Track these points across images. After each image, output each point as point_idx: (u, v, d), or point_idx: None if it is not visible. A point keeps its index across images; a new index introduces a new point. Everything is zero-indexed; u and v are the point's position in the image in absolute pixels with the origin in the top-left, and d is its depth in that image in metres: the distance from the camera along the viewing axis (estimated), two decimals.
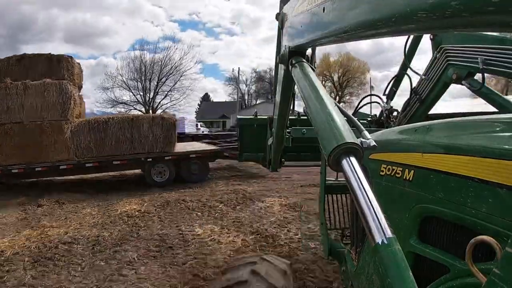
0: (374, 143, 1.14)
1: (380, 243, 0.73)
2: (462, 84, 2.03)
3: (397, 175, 1.47)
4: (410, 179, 1.35)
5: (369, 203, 0.81)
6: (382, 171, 1.60)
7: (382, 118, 2.86)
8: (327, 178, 2.91)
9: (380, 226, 0.76)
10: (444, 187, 1.14)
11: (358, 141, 0.92)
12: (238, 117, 5.80)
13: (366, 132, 1.20)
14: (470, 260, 0.81)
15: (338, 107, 1.16)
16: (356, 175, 0.85)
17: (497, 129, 1.08)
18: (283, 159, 3.43)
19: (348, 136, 0.91)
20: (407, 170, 1.38)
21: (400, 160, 1.47)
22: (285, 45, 1.52)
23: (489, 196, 0.93)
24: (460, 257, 1.06)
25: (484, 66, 1.78)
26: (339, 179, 3.17)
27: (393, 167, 1.51)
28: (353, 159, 0.89)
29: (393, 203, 1.47)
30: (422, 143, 1.36)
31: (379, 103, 2.66)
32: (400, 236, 1.36)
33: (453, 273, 1.06)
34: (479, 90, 1.92)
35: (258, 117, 5.79)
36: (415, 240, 1.32)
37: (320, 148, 1.00)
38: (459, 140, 1.14)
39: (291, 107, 2.06)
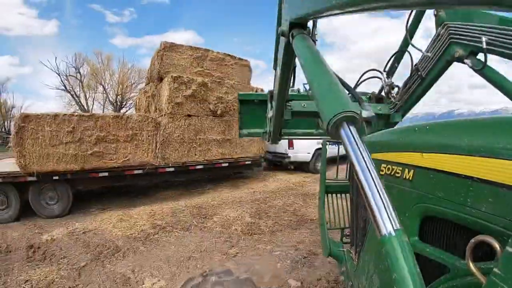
0: (374, 114, 1.14)
1: (387, 234, 0.70)
2: (464, 63, 2.00)
3: (397, 174, 1.47)
4: (410, 178, 1.35)
5: (373, 180, 0.78)
6: (382, 170, 1.60)
7: (381, 94, 2.84)
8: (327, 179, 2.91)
9: (387, 215, 0.72)
10: (444, 187, 1.14)
11: (358, 110, 0.90)
12: (239, 93, 5.76)
13: (366, 104, 1.20)
14: (470, 260, 0.81)
15: (339, 78, 1.14)
16: (356, 143, 0.84)
17: (497, 129, 1.08)
18: (282, 132, 3.43)
19: (348, 104, 0.90)
20: (407, 169, 1.39)
21: (400, 160, 1.47)
22: (286, 18, 1.50)
23: (489, 195, 0.93)
24: (460, 256, 1.06)
25: (487, 46, 1.77)
26: (339, 179, 3.20)
27: (393, 167, 1.51)
28: (352, 127, 0.87)
29: (393, 202, 1.44)
30: (422, 142, 1.36)
31: (380, 78, 2.62)
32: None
33: (453, 273, 1.06)
34: (481, 70, 1.89)
35: (258, 92, 5.73)
36: (415, 239, 1.32)
37: (318, 122, 0.96)
38: (459, 139, 1.13)
39: (292, 81, 2.04)
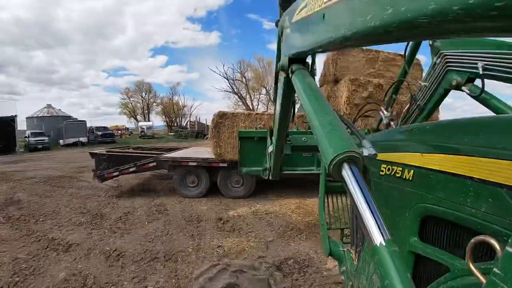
0: (375, 152, 1.17)
1: (378, 245, 0.74)
2: (462, 90, 2.01)
3: (397, 174, 1.47)
4: (410, 178, 1.35)
5: (370, 210, 0.81)
6: (382, 171, 1.60)
7: (379, 127, 2.85)
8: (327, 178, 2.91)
9: (378, 228, 0.76)
10: (444, 187, 1.14)
11: (359, 149, 0.91)
12: (240, 130, 5.71)
13: (366, 140, 1.23)
14: (470, 260, 0.81)
15: (339, 115, 1.15)
16: (358, 185, 0.85)
17: (497, 129, 1.08)
18: (282, 167, 3.40)
19: (349, 144, 0.91)
20: (407, 170, 1.39)
21: (400, 160, 1.47)
22: (285, 53, 1.51)
23: (489, 196, 0.93)
24: (460, 256, 1.07)
25: (484, 72, 1.78)
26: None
27: (393, 167, 1.51)
28: (354, 168, 0.89)
29: (393, 202, 1.47)
30: (422, 143, 1.36)
31: (378, 110, 2.61)
32: (400, 236, 1.37)
33: (453, 273, 1.07)
34: (479, 96, 1.90)
35: (259, 130, 5.72)
36: (415, 239, 1.32)
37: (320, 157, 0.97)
38: (459, 140, 1.14)
39: (291, 116, 2.05)
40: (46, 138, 34.79)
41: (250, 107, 46.77)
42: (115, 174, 10.01)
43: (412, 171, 1.34)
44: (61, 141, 38.00)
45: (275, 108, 2.32)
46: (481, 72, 1.78)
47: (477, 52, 1.85)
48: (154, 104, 77.42)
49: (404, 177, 1.40)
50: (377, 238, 0.75)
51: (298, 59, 1.43)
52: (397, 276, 0.68)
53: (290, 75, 1.44)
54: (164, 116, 74.97)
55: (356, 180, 0.85)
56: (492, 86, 2.03)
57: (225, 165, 9.02)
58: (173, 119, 73.92)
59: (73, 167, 17.35)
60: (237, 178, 9.44)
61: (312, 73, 1.46)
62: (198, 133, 47.90)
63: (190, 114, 70.09)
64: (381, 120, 2.72)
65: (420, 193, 1.29)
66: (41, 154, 28.64)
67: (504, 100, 1.94)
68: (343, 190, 2.99)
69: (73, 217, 7.94)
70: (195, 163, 9.17)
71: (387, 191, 1.54)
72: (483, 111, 2.08)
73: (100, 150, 12.89)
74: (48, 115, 44.89)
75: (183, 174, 9.57)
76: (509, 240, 0.67)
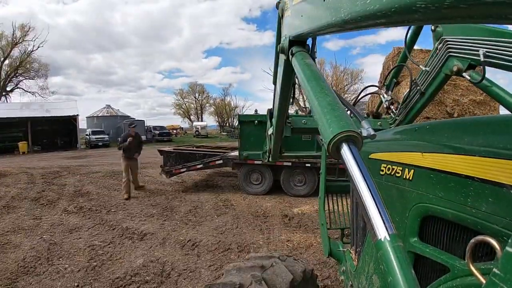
0: (374, 132, 1.16)
1: (382, 239, 0.73)
2: (463, 77, 2.00)
3: (397, 174, 1.47)
4: (410, 178, 1.35)
5: (371, 196, 0.80)
6: (382, 170, 1.60)
7: (379, 111, 2.80)
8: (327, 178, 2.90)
9: (382, 221, 0.76)
10: (444, 187, 1.14)
11: (358, 130, 0.92)
12: (239, 114, 5.60)
13: (365, 122, 1.23)
14: (470, 260, 0.81)
15: (339, 96, 1.17)
16: (356, 163, 0.85)
17: (497, 128, 1.07)
18: (282, 149, 3.42)
19: (348, 124, 0.91)
20: (407, 169, 1.38)
21: (400, 160, 1.46)
22: (285, 35, 1.50)
23: (489, 195, 0.93)
24: (460, 257, 1.07)
25: (485, 59, 1.76)
26: (339, 179, 3.20)
27: (393, 167, 1.51)
28: (353, 147, 0.89)
29: (393, 202, 1.46)
30: (422, 142, 1.36)
31: (379, 94, 2.57)
32: (400, 235, 1.29)
33: (453, 273, 1.07)
34: (480, 83, 1.88)
35: (259, 114, 5.88)
36: (415, 239, 1.32)
37: (319, 140, 1.04)
38: (459, 139, 1.14)
39: (291, 98, 2.09)
40: (106, 136, 37.39)
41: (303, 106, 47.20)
42: (182, 170, 10.58)
43: (412, 170, 1.34)
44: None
45: (274, 90, 2.35)
46: (482, 59, 1.76)
47: (479, 39, 1.85)
48: (207, 104, 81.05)
49: (404, 176, 1.40)
50: (381, 232, 0.74)
51: (299, 41, 1.43)
52: (401, 273, 0.67)
53: (290, 57, 1.43)
54: (216, 116, 78.07)
55: (355, 160, 0.85)
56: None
57: (289, 164, 9.32)
58: (225, 119, 76.79)
59: None
60: (299, 177, 9.67)
61: (312, 56, 1.46)
62: None
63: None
64: (380, 103, 2.70)
65: (420, 193, 1.28)
66: (102, 151, 30.30)
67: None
68: (344, 190, 3.06)
69: (144, 209, 8.29)
70: (260, 162, 9.25)
71: (387, 190, 1.53)
72: None
73: (168, 148, 13.86)
74: (107, 114, 48.67)
75: (248, 172, 9.99)
76: (509, 240, 0.66)
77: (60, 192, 10.52)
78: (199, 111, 79.98)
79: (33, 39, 46.29)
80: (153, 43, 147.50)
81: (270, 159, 3.59)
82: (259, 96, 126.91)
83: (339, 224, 3.09)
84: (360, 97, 2.75)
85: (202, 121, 71.40)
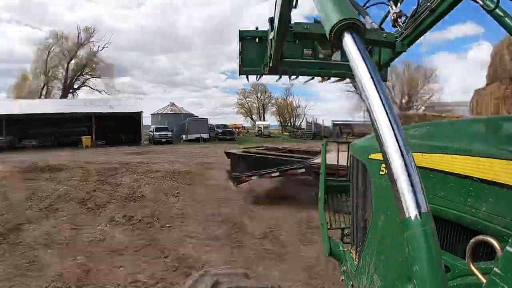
0: (377, 27, 1.11)
1: (412, 217, 0.61)
2: (475, 1, 1.91)
3: None
4: None
5: (379, 97, 0.72)
6: (382, 170, 1.59)
7: (383, 22, 2.61)
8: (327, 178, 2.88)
9: (415, 193, 0.62)
10: (444, 187, 1.14)
11: (361, 19, 0.89)
12: (240, 30, 5.43)
13: (369, 17, 1.18)
14: (471, 260, 0.81)
15: None
16: (359, 52, 0.82)
17: (497, 129, 1.07)
18: (284, 54, 3.23)
19: (352, 12, 0.89)
20: None
21: None
22: None
23: (490, 195, 0.93)
24: (460, 256, 1.07)
25: None
26: (339, 179, 3.18)
27: None
28: (356, 36, 0.85)
29: (393, 202, 1.45)
30: (421, 142, 1.35)
31: (387, 4, 2.41)
32: (400, 236, 1.33)
33: (453, 273, 1.07)
34: (493, 11, 1.81)
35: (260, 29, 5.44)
36: None
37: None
38: (459, 140, 1.14)
39: (294, 0, 2.00)
40: (170, 133, 38.30)
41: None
42: (253, 178, 9.09)
43: None
44: (183, 136, 41.42)
45: None
46: None
47: None
48: (269, 104, 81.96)
49: None
50: (412, 208, 0.61)
51: None
52: (430, 264, 0.56)
53: None
54: (278, 116, 78.47)
55: (359, 49, 0.82)
56: None
57: None
58: (287, 119, 77.30)
59: (198, 163, 16.51)
60: None
61: None
62: (315, 134, 48.88)
63: (305, 115, 72.76)
64: (386, 15, 2.52)
65: None
66: (164, 147, 29.78)
67: None
68: (344, 190, 3.00)
69: (206, 226, 6.79)
70: None
71: (387, 190, 1.51)
72: None
73: (236, 150, 12.43)
74: (171, 112, 49.43)
75: None
76: (509, 240, 0.67)
77: (112, 194, 9.46)
78: (261, 111, 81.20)
79: (98, 40, 52.29)
80: (217, 45, 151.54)
81: (271, 64, 3.40)
82: (320, 96, 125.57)
83: (339, 223, 3.06)
84: (366, 6, 2.47)
85: (264, 120, 72.07)
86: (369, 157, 1.76)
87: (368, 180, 1.82)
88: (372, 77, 0.74)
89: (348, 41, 0.84)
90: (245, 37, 5.41)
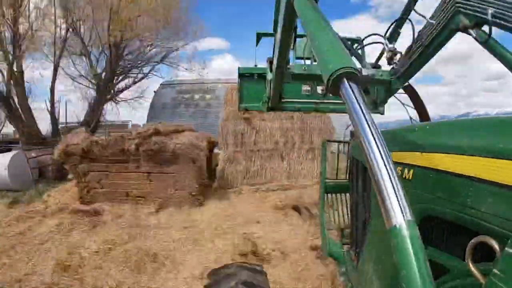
0: (374, 73, 1.13)
1: (398, 226, 0.65)
2: (468, 34, 1.94)
3: None
4: (410, 178, 1.34)
5: (374, 140, 0.76)
6: None
7: (380, 60, 2.63)
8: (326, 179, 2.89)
9: (399, 203, 0.68)
10: (444, 187, 1.13)
11: (358, 67, 0.91)
12: (239, 67, 5.43)
13: (366, 62, 1.20)
14: (471, 261, 0.81)
15: (340, 38, 1.16)
16: (355, 99, 0.84)
17: (497, 129, 1.07)
18: (282, 95, 3.34)
19: (349, 61, 0.90)
20: (406, 169, 1.38)
21: (399, 160, 1.45)
22: None
23: (490, 195, 0.92)
24: (460, 257, 1.06)
25: (492, 19, 1.72)
26: (338, 179, 3.15)
27: None
28: (353, 84, 0.87)
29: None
30: (421, 142, 1.35)
31: (382, 43, 2.48)
32: None
33: (453, 274, 1.06)
34: (485, 43, 1.83)
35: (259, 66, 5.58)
36: None
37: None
38: (459, 139, 1.13)
39: (293, 42, 2.04)
40: None
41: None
42: None
43: (412, 170, 1.33)
44: None
45: (275, 35, 2.31)
46: (490, 19, 1.72)
47: None
48: None
49: (404, 176, 1.39)
50: (397, 216, 0.66)
51: None
52: (417, 267, 0.61)
53: (292, 0, 1.42)
54: None
55: (355, 96, 0.83)
56: None
57: None
58: None
59: None
60: None
61: None
62: None
63: None
64: (382, 53, 2.56)
65: (420, 193, 1.27)
66: None
67: None
68: (343, 190, 2.98)
69: None
70: None
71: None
72: None
73: None
74: None
75: None
76: (509, 241, 0.67)
77: None
78: None
79: None
80: None
81: (269, 105, 3.57)
82: None
83: (338, 224, 3.06)
84: (362, 45, 2.57)
85: None
86: None
87: (367, 180, 1.82)
88: (369, 125, 0.77)
89: (345, 89, 0.86)
90: (244, 74, 5.53)
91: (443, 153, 1.16)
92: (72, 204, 7.43)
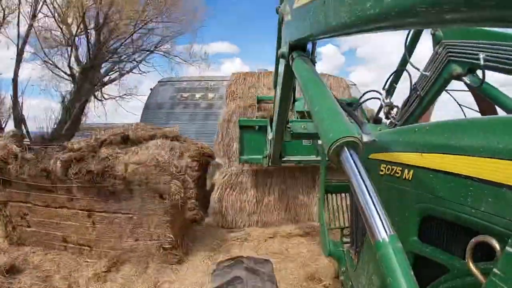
0: (375, 138, 1.17)
1: (381, 240, 0.74)
2: (462, 81, 1.99)
3: (396, 174, 1.46)
4: (410, 178, 1.35)
5: (370, 199, 0.82)
6: (382, 170, 1.60)
7: (379, 115, 2.81)
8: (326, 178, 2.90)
9: (381, 223, 0.77)
10: (444, 187, 1.14)
11: (358, 135, 0.92)
12: (240, 119, 5.37)
13: (366, 126, 1.25)
14: (470, 260, 0.82)
15: (339, 102, 1.17)
16: (356, 169, 0.86)
17: (497, 129, 1.08)
18: (282, 154, 3.39)
19: (349, 129, 0.92)
20: (406, 170, 1.38)
21: (399, 160, 1.46)
22: (286, 40, 1.52)
23: (489, 195, 0.93)
24: (460, 257, 1.07)
25: (485, 63, 1.75)
26: (339, 179, 3.11)
27: (393, 167, 1.51)
28: (353, 152, 0.89)
29: (393, 203, 1.46)
30: (421, 143, 1.35)
31: (379, 98, 2.60)
32: (400, 236, 1.29)
33: (453, 273, 1.07)
34: (480, 87, 1.88)
35: (259, 119, 5.62)
36: (415, 240, 1.32)
37: (318, 147, 1.07)
38: (458, 140, 1.14)
39: (292, 102, 2.11)
40: None
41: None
42: None
43: (412, 171, 1.34)
44: None
45: (275, 95, 2.36)
46: (482, 63, 1.75)
47: (479, 42, 1.83)
48: None
49: (403, 177, 1.40)
50: (381, 232, 0.75)
51: (299, 46, 1.44)
52: (401, 274, 0.68)
53: (290, 62, 1.43)
54: None
55: (356, 165, 0.86)
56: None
57: None
58: None
59: None
60: None
61: (313, 60, 1.46)
62: None
63: None
64: (380, 108, 2.69)
65: (419, 193, 1.28)
66: None
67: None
68: (344, 190, 3.05)
69: None
70: None
71: (386, 191, 1.53)
72: None
73: None
74: None
75: None
76: (509, 240, 0.68)
77: None
78: None
79: None
80: None
81: (270, 164, 3.66)
82: None
83: (339, 223, 3.11)
84: (360, 102, 2.76)
85: None
86: (369, 157, 1.75)
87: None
88: (368, 191, 0.83)
89: (346, 158, 0.89)
90: (244, 126, 5.26)
91: (442, 153, 1.17)
92: None
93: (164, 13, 14.18)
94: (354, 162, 0.87)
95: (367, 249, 1.88)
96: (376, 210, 0.79)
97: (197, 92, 16.96)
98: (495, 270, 0.67)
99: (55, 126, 11.56)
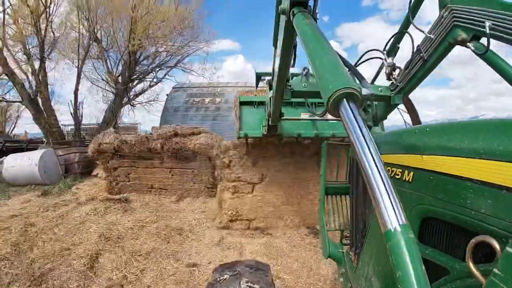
0: (373, 92, 1.11)
1: (392, 229, 0.69)
2: (467, 47, 1.93)
3: (396, 176, 1.46)
4: (410, 180, 1.34)
5: (372, 159, 0.77)
6: None
7: (378, 75, 2.70)
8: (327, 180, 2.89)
9: (394, 209, 0.71)
10: (444, 189, 1.13)
11: (358, 87, 0.91)
12: (238, 96, 5.52)
13: (366, 81, 1.18)
14: (471, 261, 0.81)
15: (340, 57, 1.14)
16: (355, 119, 0.85)
17: (497, 131, 1.06)
18: (282, 113, 3.41)
19: (349, 81, 0.91)
20: (406, 171, 1.37)
21: (399, 162, 1.45)
22: None
23: (489, 197, 0.93)
24: (460, 258, 1.07)
25: (490, 31, 1.71)
26: (339, 181, 3.15)
27: (393, 169, 1.49)
28: (352, 104, 0.88)
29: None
30: (421, 144, 1.35)
31: (381, 58, 2.49)
32: None
33: (452, 275, 1.06)
34: (483, 55, 1.82)
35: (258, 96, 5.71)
36: None
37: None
38: (459, 141, 1.13)
39: (293, 60, 2.07)
40: None
41: None
42: None
43: (412, 172, 1.33)
44: None
45: (275, 53, 2.33)
46: (487, 31, 1.71)
47: (486, 10, 1.79)
48: None
49: (403, 178, 1.39)
50: (392, 221, 0.69)
51: (300, 1, 1.41)
52: (412, 268, 0.63)
53: (291, 18, 1.41)
54: None
55: (355, 117, 0.84)
56: None
57: None
58: None
59: None
60: None
61: (314, 16, 1.43)
62: None
63: None
64: (381, 68, 2.58)
65: (419, 195, 1.28)
66: None
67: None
68: (343, 192, 2.98)
69: None
70: None
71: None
72: None
73: None
74: None
75: None
76: (509, 241, 0.67)
77: None
78: None
79: None
80: None
81: (270, 123, 3.60)
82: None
83: (338, 225, 3.07)
84: (362, 60, 2.60)
85: None
86: None
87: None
88: (368, 147, 0.79)
89: (344, 109, 0.87)
90: (244, 102, 5.39)
91: (443, 155, 1.17)
92: (101, 195, 8.58)
93: (184, 36, 20.46)
94: (353, 113, 0.85)
95: (366, 250, 1.88)
96: (387, 191, 0.74)
97: (206, 97, 20.12)
98: (495, 270, 0.66)
99: (102, 123, 17.72)
